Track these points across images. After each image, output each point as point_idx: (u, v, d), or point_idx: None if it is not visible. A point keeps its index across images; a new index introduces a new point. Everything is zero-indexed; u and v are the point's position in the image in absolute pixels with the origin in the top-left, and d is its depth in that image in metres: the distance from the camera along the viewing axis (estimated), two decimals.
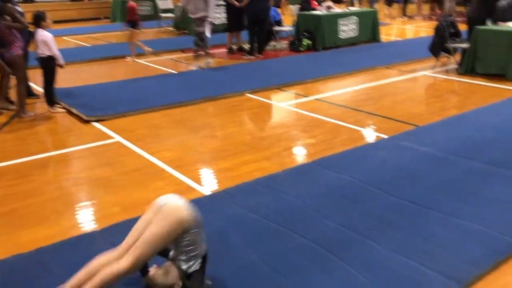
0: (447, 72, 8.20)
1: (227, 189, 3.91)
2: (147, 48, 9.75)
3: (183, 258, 2.51)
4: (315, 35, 10.35)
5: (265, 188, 3.90)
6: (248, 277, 2.78)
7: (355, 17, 10.97)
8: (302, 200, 3.65)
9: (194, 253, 2.51)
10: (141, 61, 9.57)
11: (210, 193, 3.91)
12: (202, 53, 9.23)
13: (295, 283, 2.72)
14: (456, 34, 8.40)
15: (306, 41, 10.34)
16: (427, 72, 8.24)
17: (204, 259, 2.57)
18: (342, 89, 7.30)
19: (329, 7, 11.04)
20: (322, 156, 4.55)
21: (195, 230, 2.50)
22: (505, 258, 2.95)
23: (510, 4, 8.39)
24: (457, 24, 8.46)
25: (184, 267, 2.50)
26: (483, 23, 7.91)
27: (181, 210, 2.47)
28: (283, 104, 6.62)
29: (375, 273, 2.79)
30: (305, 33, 10.42)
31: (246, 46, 10.15)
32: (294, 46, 10.40)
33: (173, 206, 2.49)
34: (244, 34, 10.23)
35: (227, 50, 10.42)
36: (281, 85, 7.44)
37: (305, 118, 5.91)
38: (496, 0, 8.11)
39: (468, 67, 7.87)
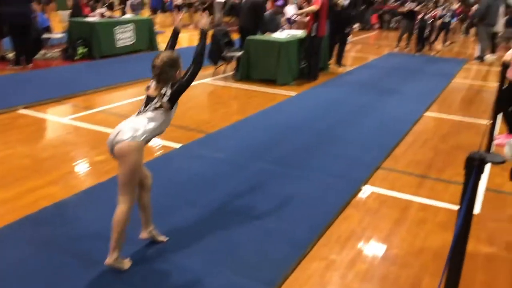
0: (225, 79, 8.66)
1: (9, 225, 3.34)
2: None
3: None
4: (91, 43, 9.79)
5: (55, 218, 3.47)
6: None
7: (132, 25, 10.75)
8: (100, 224, 3.34)
9: None
10: None
11: None
12: None
13: None
14: (230, 43, 8.96)
15: (81, 49, 9.70)
16: (207, 80, 8.56)
17: None
18: (127, 99, 7.04)
19: (102, 14, 10.56)
20: (116, 174, 4.25)
21: None
22: (305, 253, 3.19)
23: (272, 16, 9.35)
24: (230, 34, 9.03)
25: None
26: (254, 33, 8.58)
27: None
28: (65, 119, 6.04)
29: None
30: (80, 41, 9.76)
31: (11, 55, 9.00)
32: (68, 55, 9.67)
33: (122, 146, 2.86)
34: (7, 42, 9.06)
35: None
36: (59, 98, 6.80)
37: (91, 133, 5.49)
38: (263, 12, 8.92)
39: (243, 74, 8.46)
